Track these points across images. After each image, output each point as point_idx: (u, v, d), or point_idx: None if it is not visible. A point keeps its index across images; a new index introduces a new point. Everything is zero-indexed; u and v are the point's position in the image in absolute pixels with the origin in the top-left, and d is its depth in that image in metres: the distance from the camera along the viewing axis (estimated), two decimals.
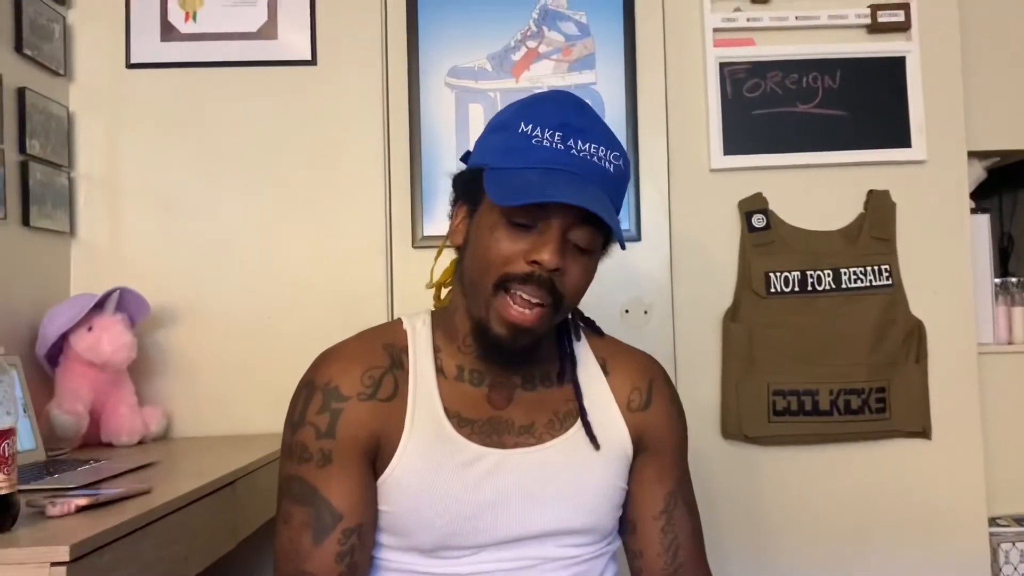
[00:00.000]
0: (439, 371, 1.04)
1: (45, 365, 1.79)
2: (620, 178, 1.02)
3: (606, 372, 1.10)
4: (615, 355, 1.13)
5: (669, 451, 1.09)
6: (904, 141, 2.05)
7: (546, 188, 0.95)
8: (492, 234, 0.98)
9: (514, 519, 1.00)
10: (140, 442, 1.83)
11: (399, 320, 1.10)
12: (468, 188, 1.04)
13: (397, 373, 1.02)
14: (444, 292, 1.14)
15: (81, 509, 1.10)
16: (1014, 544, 2.07)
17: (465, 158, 1.09)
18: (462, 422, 1.01)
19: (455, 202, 1.07)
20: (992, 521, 2.09)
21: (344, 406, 0.99)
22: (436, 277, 1.16)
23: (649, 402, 1.10)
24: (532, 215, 0.96)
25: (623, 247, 1.02)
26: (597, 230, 0.99)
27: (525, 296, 0.96)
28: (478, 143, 1.07)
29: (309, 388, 1.02)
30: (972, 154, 2.10)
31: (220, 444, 1.83)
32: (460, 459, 0.99)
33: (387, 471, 0.99)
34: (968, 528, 2.07)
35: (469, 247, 1.02)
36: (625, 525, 1.09)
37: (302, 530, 0.96)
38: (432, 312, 1.11)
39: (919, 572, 2.06)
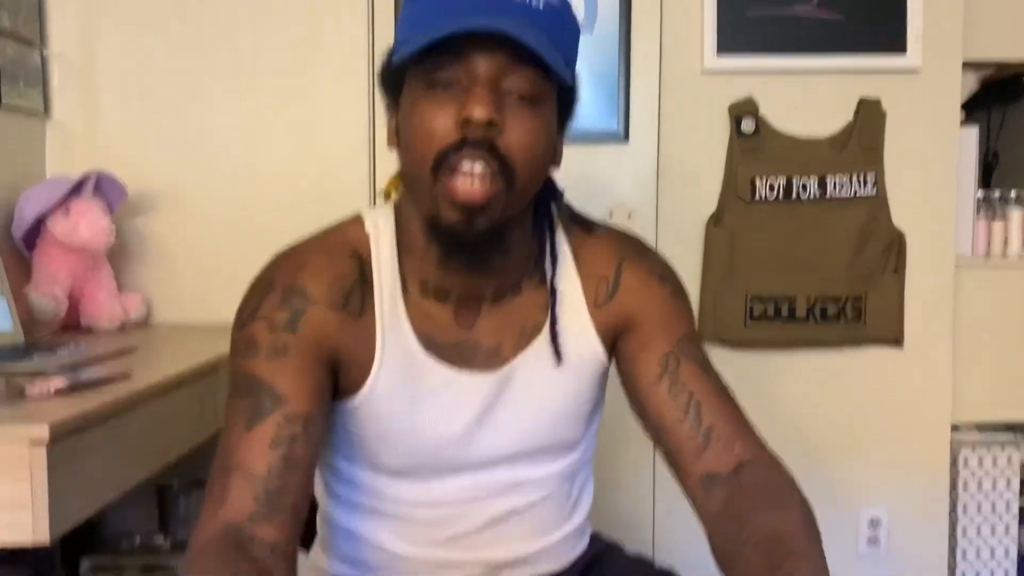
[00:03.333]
0: (404, 285, 0.93)
1: (22, 248, 1.77)
2: (557, 15, 0.85)
3: (578, 267, 0.98)
4: (586, 244, 0.99)
5: (652, 321, 0.96)
6: (900, 48, 2.01)
7: (460, 18, 0.81)
8: (415, 111, 0.84)
9: (482, 444, 0.95)
10: (120, 328, 1.83)
11: (358, 219, 0.97)
12: (389, 81, 0.91)
13: (364, 289, 0.92)
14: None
15: (60, 391, 1.10)
16: (973, 449, 2.14)
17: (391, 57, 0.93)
18: (431, 345, 0.93)
19: (387, 105, 0.93)
20: (955, 428, 2.16)
21: (310, 308, 0.88)
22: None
23: (616, 289, 0.97)
24: (451, 68, 0.82)
25: (572, 84, 0.88)
26: (541, 75, 0.84)
27: (466, 168, 0.82)
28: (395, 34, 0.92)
29: (265, 287, 0.90)
30: (967, 65, 2.07)
31: (201, 332, 1.83)
32: (428, 384, 0.93)
33: (358, 397, 0.91)
34: (931, 434, 2.13)
35: (400, 136, 0.88)
36: (636, 409, 0.97)
37: (237, 423, 0.84)
38: (396, 207, 0.97)
39: (882, 475, 2.13)
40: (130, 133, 1.96)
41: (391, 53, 0.91)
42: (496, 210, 0.85)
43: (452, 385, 0.94)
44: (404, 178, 0.92)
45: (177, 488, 1.98)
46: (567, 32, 0.88)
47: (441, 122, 0.83)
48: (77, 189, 1.77)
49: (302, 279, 0.90)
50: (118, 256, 1.93)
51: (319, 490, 1.04)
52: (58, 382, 1.11)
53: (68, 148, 1.95)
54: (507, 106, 0.83)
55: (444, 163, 0.83)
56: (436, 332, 0.94)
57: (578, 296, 0.98)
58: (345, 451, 0.97)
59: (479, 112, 0.81)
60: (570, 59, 0.89)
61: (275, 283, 0.90)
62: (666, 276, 1.01)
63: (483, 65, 0.82)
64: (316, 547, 1.07)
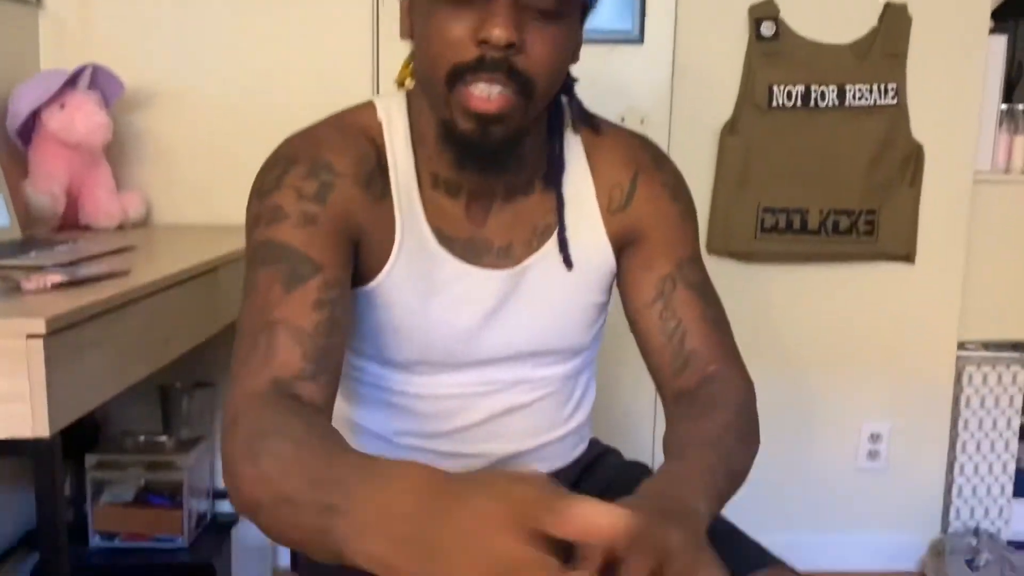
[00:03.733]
0: (418, 178, 0.91)
1: (18, 143, 1.73)
2: None
3: (592, 170, 0.96)
4: (601, 147, 0.97)
5: (659, 237, 0.95)
6: None
7: None
8: (431, 18, 0.80)
9: (489, 340, 0.94)
10: (119, 227, 1.81)
11: (371, 105, 0.94)
12: None
13: (382, 175, 0.89)
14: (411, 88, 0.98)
15: (57, 286, 1.08)
16: (978, 366, 2.14)
17: None
18: (443, 239, 0.92)
19: None
20: (961, 345, 2.15)
21: (337, 180, 0.85)
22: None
23: (631, 198, 0.96)
24: None
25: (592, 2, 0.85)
26: None
27: (482, 90, 0.79)
28: None
29: (286, 160, 0.86)
30: None
31: (202, 232, 1.80)
32: (442, 278, 0.92)
33: (373, 283, 0.90)
34: (937, 351, 2.12)
35: (416, 39, 0.85)
36: (630, 324, 0.98)
37: (271, 286, 0.80)
38: (408, 95, 0.94)
39: (886, 391, 2.13)
40: (127, 24, 1.89)
41: None
42: (513, 121, 0.83)
43: (463, 279, 0.93)
44: (418, 77, 0.89)
45: (180, 388, 1.98)
46: None
47: (458, 35, 0.79)
48: (72, 82, 1.71)
49: (326, 154, 0.87)
50: (117, 154, 1.89)
51: None
52: (55, 277, 1.09)
53: (62, 40, 1.89)
54: (528, 22, 0.79)
55: (459, 79, 0.80)
56: (447, 226, 0.93)
57: (591, 200, 0.97)
58: (355, 343, 0.95)
59: (499, 34, 0.77)
60: None
61: (298, 157, 0.87)
62: (679, 192, 0.99)
63: None
64: None
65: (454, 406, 0.97)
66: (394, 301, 0.91)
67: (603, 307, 1.01)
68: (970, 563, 2.06)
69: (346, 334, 0.84)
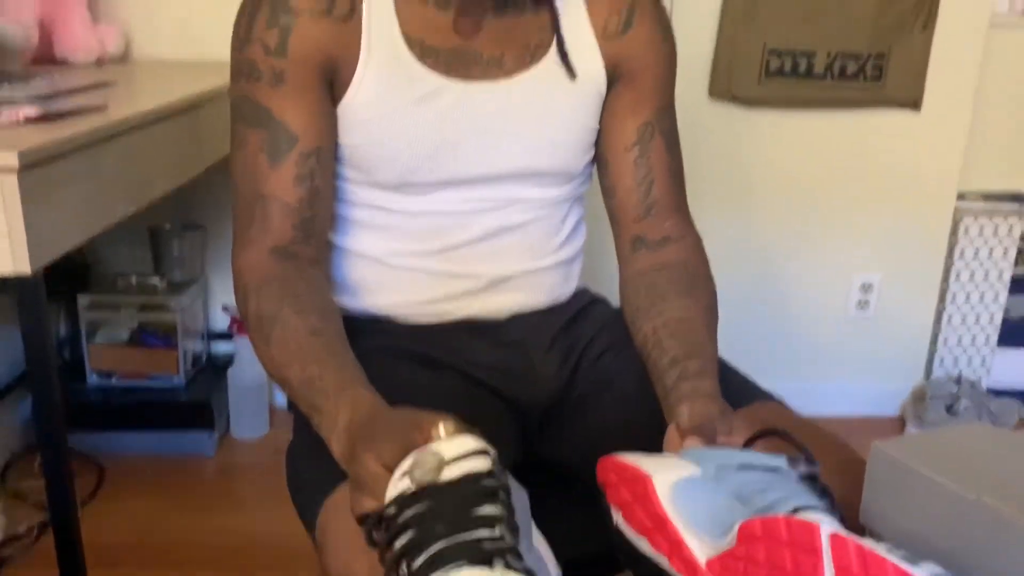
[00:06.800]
0: None
1: None
2: None
3: None
4: None
5: (647, 79, 0.99)
6: None
7: None
8: None
9: (476, 157, 0.95)
10: (97, 62, 1.74)
11: None
12: None
13: None
14: None
15: (31, 120, 1.04)
16: (975, 218, 2.12)
17: None
18: (425, 51, 0.92)
19: None
20: (960, 196, 2.12)
21: (294, 21, 0.88)
22: None
23: (628, 26, 0.97)
24: None
25: None
26: None
27: None
28: None
29: (254, 4, 0.90)
30: None
31: (183, 68, 1.73)
32: (420, 91, 0.92)
33: (343, 101, 0.92)
34: (936, 201, 2.10)
35: None
36: (599, 161, 1.02)
37: (257, 153, 0.90)
38: None
39: (882, 240, 2.12)
40: None
41: None
42: None
43: (446, 92, 0.93)
44: None
45: (169, 229, 1.97)
46: None
47: None
48: None
49: None
50: None
51: None
52: (29, 111, 1.05)
53: None
54: None
55: None
56: (430, 37, 0.92)
57: (585, 22, 0.97)
58: (343, 169, 0.96)
59: None
60: None
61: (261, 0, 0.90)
62: (669, 35, 1.02)
63: None
64: None
65: (446, 223, 0.98)
66: (369, 118, 0.92)
67: (594, 134, 1.01)
68: (949, 408, 2.11)
69: (330, 194, 0.95)
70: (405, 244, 0.98)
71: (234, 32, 0.91)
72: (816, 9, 1.88)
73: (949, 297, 2.18)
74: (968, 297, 2.18)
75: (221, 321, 2.11)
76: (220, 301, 2.10)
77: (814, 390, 2.19)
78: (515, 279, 1.02)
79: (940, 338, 2.22)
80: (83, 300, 1.89)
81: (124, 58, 1.84)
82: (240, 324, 1.96)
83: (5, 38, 1.52)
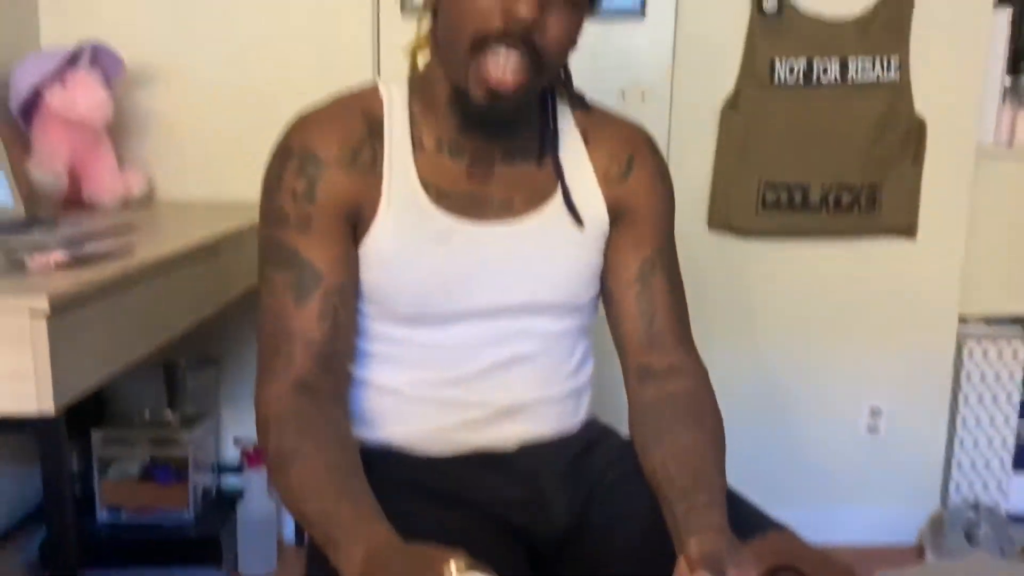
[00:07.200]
0: (417, 143, 0.99)
1: (19, 122, 1.73)
2: None
3: (587, 143, 1.05)
4: (598, 125, 1.07)
5: (648, 219, 1.05)
6: None
7: None
8: None
9: (488, 291, 1.00)
10: (123, 205, 1.81)
11: (375, 86, 1.03)
12: None
13: (375, 143, 0.98)
14: (422, 61, 1.05)
15: (61, 264, 1.09)
16: (979, 341, 2.14)
17: None
18: (440, 195, 0.99)
19: None
20: (962, 320, 2.15)
21: (322, 172, 0.96)
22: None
23: (628, 172, 1.05)
24: None
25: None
26: None
27: (502, 59, 0.88)
28: None
29: (285, 153, 0.98)
30: None
31: (204, 209, 1.81)
32: (435, 231, 0.98)
33: (365, 241, 0.98)
34: (939, 326, 2.13)
35: (441, 6, 0.93)
36: (604, 295, 1.07)
37: (284, 292, 0.95)
38: (409, 79, 1.04)
39: (888, 365, 2.14)
40: (126, 1, 1.89)
41: None
42: (521, 95, 0.92)
43: (459, 232, 0.99)
44: (439, 42, 0.97)
45: (184, 365, 2.00)
46: None
47: (486, 5, 0.87)
48: (73, 60, 1.71)
49: (314, 142, 0.97)
50: (119, 132, 1.89)
51: None
52: (59, 255, 1.10)
53: (63, 17, 1.89)
54: (549, 4, 0.88)
55: (481, 46, 0.88)
56: (446, 183, 0.99)
57: (587, 169, 1.04)
58: (362, 304, 1.01)
59: (524, 10, 0.86)
60: None
61: (292, 148, 0.97)
62: (667, 178, 1.08)
63: None
64: None
65: (459, 355, 1.02)
66: (388, 257, 0.97)
67: (598, 269, 1.06)
68: (969, 536, 2.07)
69: (351, 329, 0.99)
70: (419, 375, 1.02)
71: (264, 179, 0.98)
72: (808, 144, 1.97)
73: (960, 421, 2.18)
74: (979, 421, 2.18)
75: (232, 454, 2.11)
76: (231, 434, 2.10)
77: (827, 518, 2.15)
78: (525, 408, 1.04)
79: (954, 462, 2.20)
80: (96, 436, 1.90)
81: (148, 199, 1.92)
82: (251, 458, 1.97)
83: (39, 186, 1.60)
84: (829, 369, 2.14)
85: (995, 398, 2.16)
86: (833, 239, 2.05)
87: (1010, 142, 2.11)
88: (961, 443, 2.19)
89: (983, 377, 2.15)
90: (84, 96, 1.69)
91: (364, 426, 1.04)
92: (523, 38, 0.87)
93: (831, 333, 2.12)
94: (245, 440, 2.02)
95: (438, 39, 0.97)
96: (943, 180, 2.04)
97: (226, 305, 1.50)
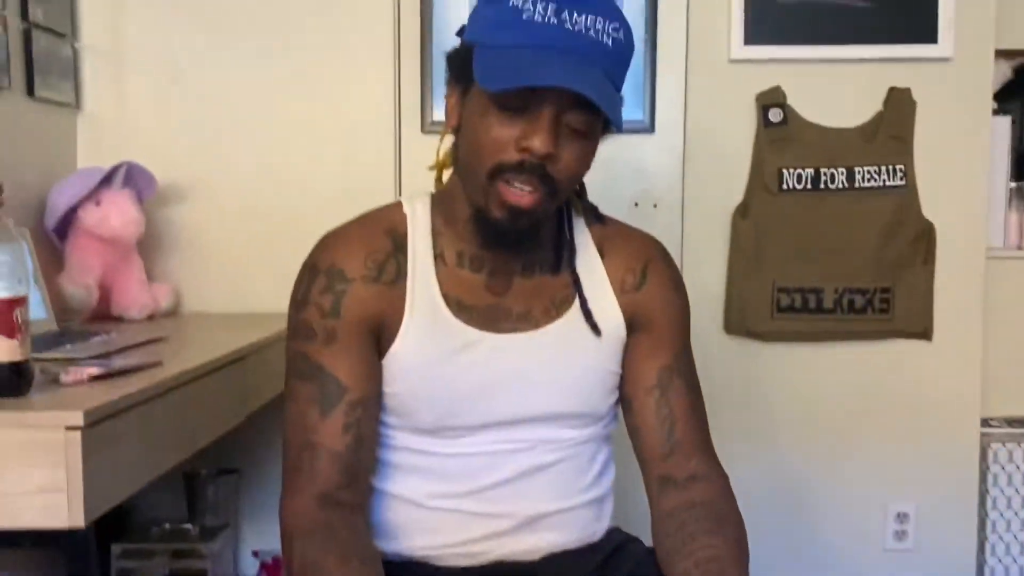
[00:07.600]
0: (439, 257, 1.03)
1: (54, 239, 1.80)
2: (620, 53, 0.95)
3: (602, 255, 1.08)
4: (612, 237, 1.10)
5: (664, 328, 1.07)
6: (931, 37, 1.98)
7: (537, 70, 0.90)
8: (483, 120, 0.94)
9: (509, 402, 1.01)
10: (150, 317, 1.86)
11: (399, 203, 1.08)
12: (460, 67, 0.98)
13: (399, 257, 1.02)
14: (446, 175, 1.09)
15: (94, 378, 1.12)
16: (1004, 444, 2.12)
17: (461, 32, 1.02)
18: (461, 308, 1.01)
19: (449, 81, 1.01)
20: (985, 422, 2.13)
21: (348, 287, 0.99)
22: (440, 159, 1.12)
23: (643, 282, 1.08)
24: (523, 98, 0.91)
25: (619, 130, 0.97)
26: (594, 112, 0.93)
27: (519, 184, 0.93)
28: (471, 16, 1.00)
29: (312, 271, 1.01)
30: (999, 53, 2.04)
31: (230, 321, 1.85)
32: (457, 343, 1.00)
33: (389, 353, 1.00)
34: (961, 428, 2.11)
35: (462, 132, 0.98)
36: (623, 403, 1.09)
37: (309, 404, 0.97)
38: (432, 195, 1.08)
39: (911, 469, 2.11)
40: (160, 124, 1.98)
41: (463, 38, 1.00)
42: (538, 213, 0.96)
43: (481, 344, 1.01)
44: (460, 166, 1.01)
45: (205, 475, 2.00)
46: (625, 63, 0.98)
47: (505, 139, 0.93)
48: (107, 180, 1.79)
49: (340, 259, 1.01)
50: (148, 246, 1.95)
51: None
52: (92, 369, 1.13)
53: (98, 139, 1.98)
54: (563, 136, 0.93)
55: (500, 175, 0.93)
56: (467, 296, 1.02)
57: (603, 280, 1.07)
58: (385, 416, 1.02)
59: (540, 145, 0.91)
60: (621, 83, 0.99)
61: (319, 266, 1.01)
62: (681, 287, 1.12)
63: (551, 103, 0.91)
64: None
65: (481, 465, 1.02)
66: (411, 368, 1.00)
67: (617, 377, 1.07)
68: None
69: (374, 440, 1.01)
70: (440, 486, 1.02)
71: (292, 295, 1.02)
72: (819, 249, 2.00)
73: (989, 526, 2.13)
74: (1009, 525, 2.13)
75: (250, 566, 2.09)
76: (251, 546, 2.09)
77: None
78: (547, 518, 1.04)
79: (986, 569, 2.14)
80: (116, 549, 1.90)
81: (175, 311, 1.96)
82: (269, 569, 1.95)
83: (71, 300, 1.65)
84: (853, 473, 2.11)
85: None
86: (849, 342, 2.06)
87: (1020, 244, 2.14)
88: (992, 549, 2.14)
89: (1010, 479, 2.12)
90: (117, 214, 1.76)
91: (385, 538, 1.04)
92: (540, 169, 0.92)
93: (852, 436, 2.10)
94: (264, 553, 2.00)
95: (459, 161, 1.01)
96: (956, 282, 2.06)
97: (249, 415, 1.52)
